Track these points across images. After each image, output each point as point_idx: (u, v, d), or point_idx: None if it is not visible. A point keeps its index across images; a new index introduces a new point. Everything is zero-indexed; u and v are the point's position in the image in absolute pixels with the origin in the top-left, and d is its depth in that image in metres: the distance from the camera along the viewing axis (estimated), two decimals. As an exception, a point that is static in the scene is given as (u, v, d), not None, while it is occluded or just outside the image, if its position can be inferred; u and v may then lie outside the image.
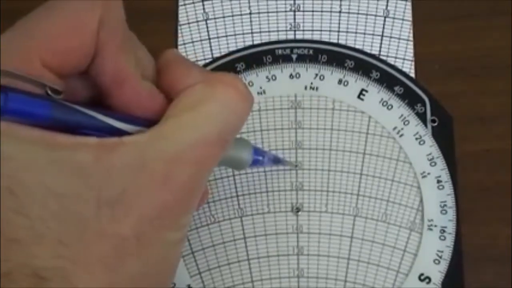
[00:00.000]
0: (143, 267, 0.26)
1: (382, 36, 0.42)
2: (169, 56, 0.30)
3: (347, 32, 0.42)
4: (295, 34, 0.42)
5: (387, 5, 0.43)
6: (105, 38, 0.27)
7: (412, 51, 0.42)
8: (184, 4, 0.43)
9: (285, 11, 0.43)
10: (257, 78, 0.41)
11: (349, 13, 0.43)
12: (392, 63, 0.42)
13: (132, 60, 0.28)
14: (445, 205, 0.39)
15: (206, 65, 0.42)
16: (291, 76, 0.41)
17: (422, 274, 0.38)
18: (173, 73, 0.29)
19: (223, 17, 0.43)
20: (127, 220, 0.25)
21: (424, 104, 0.41)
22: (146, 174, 0.26)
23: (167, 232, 0.27)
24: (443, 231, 0.38)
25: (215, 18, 0.43)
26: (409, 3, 0.43)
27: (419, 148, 0.40)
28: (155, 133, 0.27)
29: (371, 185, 0.39)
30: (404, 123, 0.40)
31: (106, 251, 0.25)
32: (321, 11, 0.43)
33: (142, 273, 0.26)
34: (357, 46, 0.42)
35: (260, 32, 0.42)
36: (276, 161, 0.38)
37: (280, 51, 0.42)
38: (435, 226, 0.38)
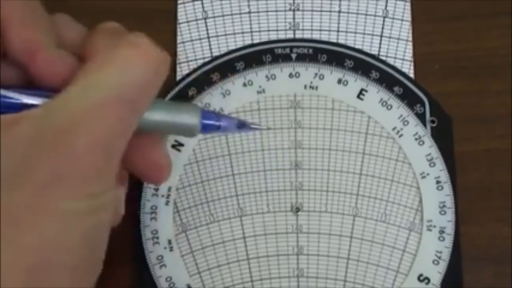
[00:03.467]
0: (40, 238, 0.26)
1: (382, 36, 0.42)
2: (98, 26, 0.30)
3: (346, 31, 0.42)
4: (294, 34, 0.42)
5: (386, 5, 0.43)
6: (5, 14, 0.27)
7: (411, 51, 0.42)
8: (183, 3, 0.43)
9: (285, 10, 0.43)
10: (256, 77, 0.41)
11: (348, 12, 0.43)
12: (392, 63, 0.42)
13: (42, 29, 0.28)
14: (444, 206, 0.39)
15: (205, 64, 0.42)
16: (290, 75, 0.41)
17: (421, 275, 0.38)
18: (89, 40, 0.29)
19: (222, 16, 0.43)
20: (21, 191, 0.26)
21: (423, 105, 0.41)
22: (41, 146, 0.26)
23: (63, 202, 0.26)
24: (442, 231, 0.38)
25: (214, 17, 0.43)
26: (408, 3, 0.43)
27: (418, 148, 0.40)
28: (49, 105, 0.27)
29: (371, 185, 0.39)
30: (403, 124, 0.40)
31: (2, 223, 0.25)
32: (321, 11, 0.43)
33: (41, 245, 0.26)
34: (356, 46, 0.42)
35: (260, 31, 0.42)
36: (241, 125, 0.35)
37: (279, 51, 0.42)
38: (434, 226, 0.38)
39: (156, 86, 0.30)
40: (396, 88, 0.41)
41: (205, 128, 0.32)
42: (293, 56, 0.42)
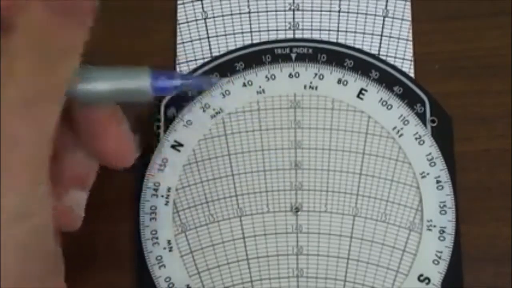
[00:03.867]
0: None
1: (382, 35, 0.42)
2: None
3: (346, 31, 0.42)
4: (294, 33, 0.42)
5: (386, 5, 0.43)
6: None
7: (411, 51, 0.42)
8: (183, 3, 0.43)
9: (284, 10, 0.43)
10: (256, 77, 0.41)
11: (348, 12, 0.42)
12: (392, 62, 0.42)
13: None
14: (444, 206, 0.39)
15: (204, 64, 0.42)
16: (290, 75, 0.41)
17: (421, 275, 0.38)
18: None
19: (222, 16, 0.43)
20: None
21: (423, 104, 0.40)
22: None
23: None
24: (442, 231, 0.38)
25: (214, 17, 0.43)
26: (408, 3, 0.43)
27: (418, 148, 0.40)
28: None
29: (371, 185, 0.39)
30: (403, 123, 0.40)
31: None
32: (321, 10, 0.43)
33: None
34: (356, 46, 0.42)
35: (259, 31, 0.42)
36: (199, 82, 0.34)
37: (279, 50, 0.42)
38: (434, 226, 0.38)
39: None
40: (396, 88, 0.41)
41: (158, 90, 0.31)
42: (293, 56, 0.42)
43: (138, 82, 0.30)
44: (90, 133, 0.31)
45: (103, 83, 0.30)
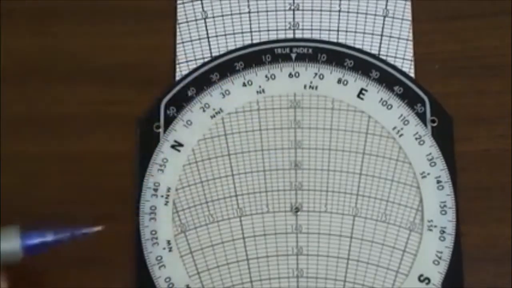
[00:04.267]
0: None
1: (382, 35, 0.42)
2: None
3: (346, 31, 0.42)
4: (294, 33, 0.42)
5: (386, 5, 0.43)
6: None
7: (411, 50, 0.42)
8: (183, 3, 0.43)
9: (284, 10, 0.43)
10: (256, 77, 0.41)
11: (348, 12, 0.42)
12: (392, 62, 0.42)
13: None
14: (444, 206, 0.39)
15: (204, 64, 0.41)
16: (290, 75, 0.41)
17: (421, 275, 0.38)
18: None
19: (222, 15, 0.43)
20: None
21: (423, 104, 0.40)
22: None
23: None
24: (442, 231, 0.38)
25: (213, 17, 0.43)
26: (408, 3, 0.43)
27: (418, 148, 0.40)
28: None
29: (371, 185, 0.39)
30: (403, 123, 0.40)
31: None
32: (321, 10, 0.43)
33: None
34: (356, 46, 0.42)
35: (259, 31, 0.42)
36: (72, 235, 0.33)
37: (279, 50, 0.42)
38: (435, 226, 0.38)
39: None
40: (396, 88, 0.41)
41: (30, 249, 0.30)
42: (293, 56, 0.41)
43: (8, 244, 0.30)
44: None
45: None
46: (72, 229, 0.32)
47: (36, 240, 0.31)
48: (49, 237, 0.31)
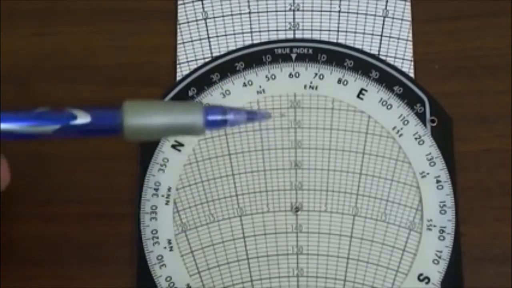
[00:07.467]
0: None
1: (382, 36, 0.42)
2: None
3: (346, 31, 0.42)
4: (294, 34, 0.42)
5: (386, 5, 0.43)
6: None
7: (411, 51, 0.42)
8: (184, 3, 0.43)
9: (285, 11, 0.43)
10: (256, 77, 0.41)
11: (348, 12, 0.43)
12: (392, 63, 0.42)
13: None
14: (444, 205, 0.39)
15: (205, 64, 0.42)
16: (290, 75, 0.41)
17: (421, 274, 0.38)
18: None
19: (223, 16, 0.43)
20: None
21: (423, 104, 0.41)
22: None
23: None
24: (442, 231, 0.38)
25: (214, 17, 0.43)
26: (408, 3, 0.43)
27: (418, 148, 0.40)
28: None
29: (371, 184, 0.39)
30: (403, 123, 0.40)
31: None
32: (321, 11, 0.43)
33: None
34: (356, 46, 0.42)
35: (260, 31, 0.42)
36: (250, 116, 0.33)
37: (279, 51, 0.42)
38: (434, 226, 0.38)
39: None
40: (396, 88, 0.41)
41: (211, 125, 0.31)
42: (293, 56, 0.42)
43: (192, 118, 0.30)
44: None
45: (157, 119, 0.30)
46: (249, 112, 0.32)
47: (217, 116, 0.31)
48: (230, 116, 0.31)
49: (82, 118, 0.30)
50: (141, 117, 0.29)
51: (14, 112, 0.31)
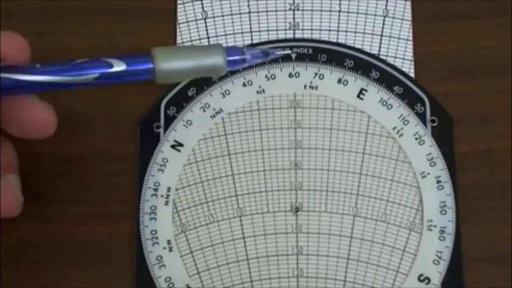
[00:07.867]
0: None
1: (382, 35, 0.42)
2: None
3: (346, 31, 0.42)
4: (294, 33, 0.42)
5: (386, 5, 0.43)
6: None
7: (411, 51, 0.42)
8: (183, 3, 0.43)
9: (285, 10, 0.43)
10: (256, 77, 0.41)
11: (348, 12, 0.43)
12: (392, 62, 0.42)
13: None
14: (444, 205, 0.39)
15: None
16: (290, 75, 0.41)
17: (421, 275, 0.38)
18: None
19: (222, 16, 0.43)
20: None
21: (423, 104, 0.41)
22: None
23: None
24: (442, 231, 0.38)
25: (214, 17, 0.43)
26: (408, 3, 0.43)
27: (418, 148, 0.40)
28: None
29: (371, 185, 0.39)
30: (403, 123, 0.40)
31: None
32: (321, 10, 0.43)
33: None
34: (356, 46, 0.42)
35: (259, 31, 0.42)
36: (265, 54, 0.37)
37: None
38: (435, 226, 0.38)
39: None
40: (396, 88, 0.41)
41: (231, 64, 0.35)
42: (293, 56, 0.42)
43: (215, 59, 0.34)
44: (12, 109, 0.34)
45: (184, 62, 0.34)
46: (264, 50, 0.37)
47: (237, 56, 0.35)
48: (247, 55, 0.35)
49: (118, 66, 0.33)
50: (170, 62, 0.34)
51: (53, 64, 0.34)
